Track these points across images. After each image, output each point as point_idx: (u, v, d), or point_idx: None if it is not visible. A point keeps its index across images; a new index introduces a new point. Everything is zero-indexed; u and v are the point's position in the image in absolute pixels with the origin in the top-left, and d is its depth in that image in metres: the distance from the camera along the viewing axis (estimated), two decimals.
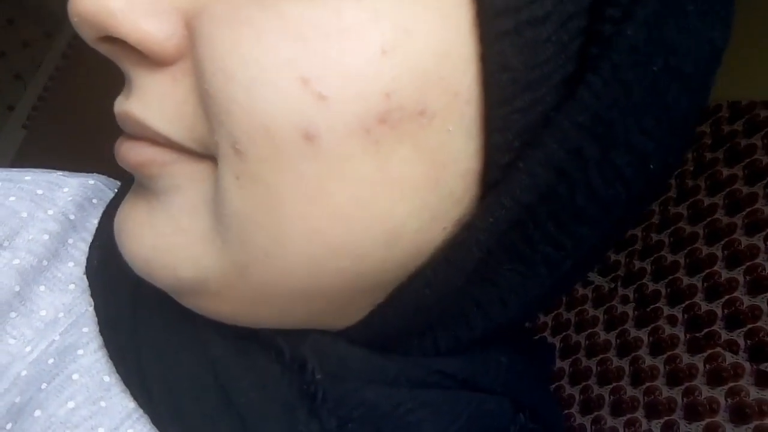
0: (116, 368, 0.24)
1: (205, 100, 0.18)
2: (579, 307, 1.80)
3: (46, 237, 0.26)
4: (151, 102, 0.19)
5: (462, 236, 0.19)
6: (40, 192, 0.28)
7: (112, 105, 0.20)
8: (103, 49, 0.19)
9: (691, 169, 1.70)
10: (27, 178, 0.29)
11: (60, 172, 0.30)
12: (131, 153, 0.20)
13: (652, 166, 0.20)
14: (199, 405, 0.23)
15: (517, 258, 0.20)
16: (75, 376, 0.24)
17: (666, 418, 1.45)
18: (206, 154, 0.19)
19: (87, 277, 0.26)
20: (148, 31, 0.18)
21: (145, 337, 0.24)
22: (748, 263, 1.46)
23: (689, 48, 0.19)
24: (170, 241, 0.20)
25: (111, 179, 0.32)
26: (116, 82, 0.21)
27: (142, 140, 0.20)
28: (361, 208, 0.18)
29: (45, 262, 0.26)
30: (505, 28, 0.17)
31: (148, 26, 0.18)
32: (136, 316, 0.25)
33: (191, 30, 0.18)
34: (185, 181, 0.19)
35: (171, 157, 0.19)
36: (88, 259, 0.27)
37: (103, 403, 0.24)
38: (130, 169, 0.20)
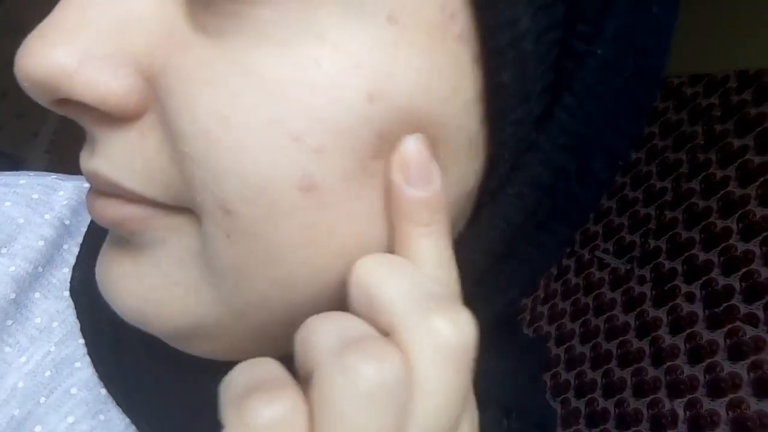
0: (106, 386, 0.24)
1: (185, 163, 0.17)
2: (596, 291, 1.77)
3: (41, 243, 0.26)
4: (119, 159, 0.18)
5: (457, 254, 0.19)
6: (35, 196, 0.28)
7: None
8: (60, 111, 0.18)
9: (702, 142, 1.67)
10: (22, 182, 0.28)
11: (54, 175, 0.30)
12: (107, 212, 0.19)
13: (621, 163, 0.21)
14: None
15: (503, 261, 0.21)
16: (73, 390, 0.24)
17: (689, 396, 1.43)
18: (185, 207, 0.18)
19: (71, 298, 0.26)
20: (108, 89, 0.16)
21: (128, 363, 0.24)
22: (764, 234, 1.42)
23: (656, 46, 0.19)
24: (162, 293, 0.19)
25: None
26: None
27: (115, 197, 0.18)
28: (363, 241, 0.18)
29: (40, 269, 0.26)
30: (499, 47, 0.17)
31: (107, 83, 0.16)
32: (119, 341, 0.24)
33: (155, 85, 0.17)
34: (168, 234, 0.19)
35: (148, 213, 0.18)
36: (71, 280, 0.26)
37: (102, 417, 0.24)
38: (108, 227, 0.19)
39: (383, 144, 0.17)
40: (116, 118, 0.17)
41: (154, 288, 0.19)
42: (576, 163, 0.19)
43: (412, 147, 0.17)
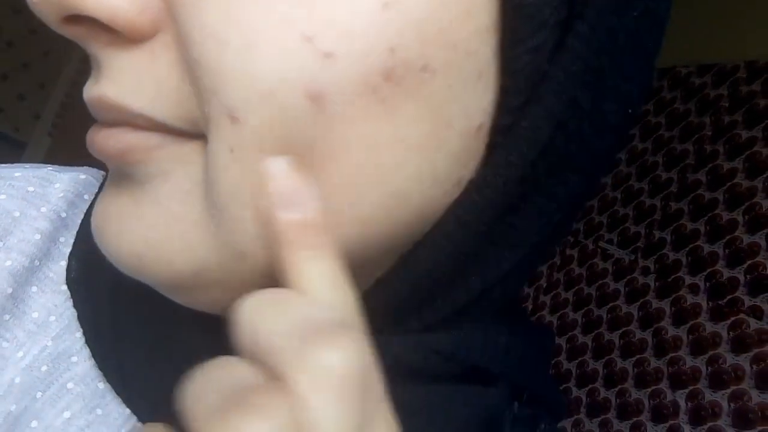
0: (105, 378, 0.24)
1: (195, 72, 0.16)
2: (600, 281, 1.77)
3: (37, 237, 0.26)
4: (128, 82, 0.17)
5: (470, 197, 0.19)
6: (31, 189, 0.27)
7: None
8: (68, 32, 0.17)
9: (710, 133, 1.65)
10: (17, 174, 0.28)
11: (50, 167, 0.29)
12: (110, 141, 0.18)
13: (630, 111, 0.20)
14: None
15: (514, 212, 0.20)
16: (70, 385, 0.24)
17: (691, 387, 1.43)
18: (194, 133, 0.18)
19: (68, 287, 0.26)
20: (119, 6, 0.16)
21: (125, 349, 0.24)
22: None
23: None
24: (163, 232, 0.18)
25: (102, 173, 0.30)
26: None
27: (120, 126, 0.18)
28: (368, 173, 0.17)
29: (37, 262, 0.26)
30: None
31: (118, 0, 0.16)
32: (116, 328, 0.24)
33: (170, 3, 0.17)
34: (173, 165, 0.18)
35: (156, 141, 0.18)
36: (67, 269, 0.26)
37: (99, 411, 0.23)
38: (110, 159, 0.19)
39: (395, 62, 0.16)
40: (127, 39, 0.17)
41: (155, 227, 0.18)
42: (588, 98, 0.19)
43: (276, 169, 0.16)
